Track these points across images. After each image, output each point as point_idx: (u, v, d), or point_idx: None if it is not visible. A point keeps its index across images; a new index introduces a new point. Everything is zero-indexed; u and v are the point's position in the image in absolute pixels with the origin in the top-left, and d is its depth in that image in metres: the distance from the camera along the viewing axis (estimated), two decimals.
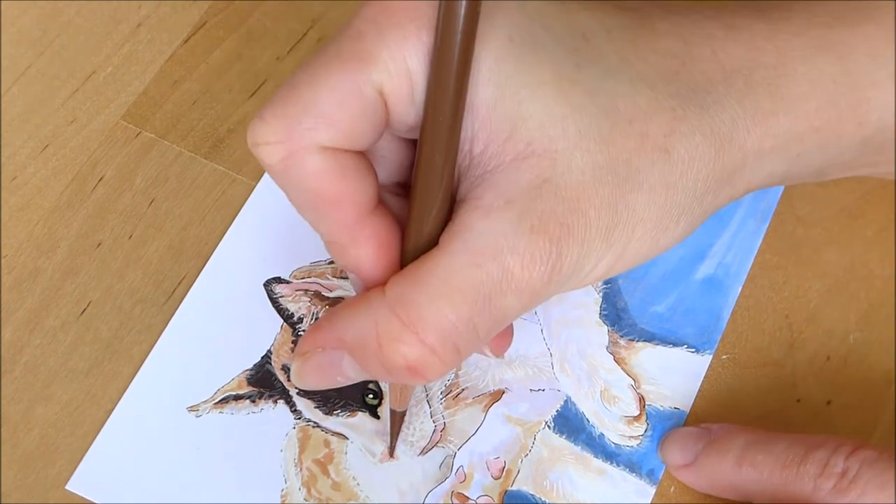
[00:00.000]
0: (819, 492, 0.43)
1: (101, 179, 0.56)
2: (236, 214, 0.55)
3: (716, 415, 0.51)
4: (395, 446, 0.50)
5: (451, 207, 0.41)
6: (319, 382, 0.43)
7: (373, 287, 0.41)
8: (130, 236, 0.55)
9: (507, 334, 0.46)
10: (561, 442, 0.50)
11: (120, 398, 0.51)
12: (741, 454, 0.46)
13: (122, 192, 0.56)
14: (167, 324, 0.53)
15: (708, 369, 0.52)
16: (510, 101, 0.39)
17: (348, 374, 0.42)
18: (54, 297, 0.54)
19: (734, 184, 0.43)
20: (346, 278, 0.54)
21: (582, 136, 0.39)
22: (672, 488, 0.49)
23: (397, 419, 0.50)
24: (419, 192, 0.40)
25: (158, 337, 0.53)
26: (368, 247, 0.41)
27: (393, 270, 0.41)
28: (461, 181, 0.40)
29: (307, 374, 0.43)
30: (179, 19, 0.61)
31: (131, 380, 0.52)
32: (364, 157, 0.40)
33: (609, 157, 0.40)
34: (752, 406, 0.51)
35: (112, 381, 0.52)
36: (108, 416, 0.51)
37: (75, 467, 0.50)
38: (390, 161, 0.43)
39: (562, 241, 0.40)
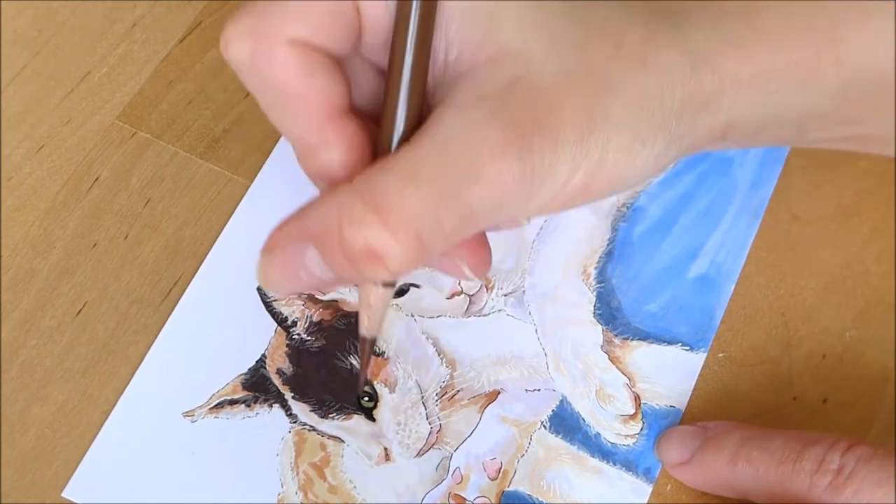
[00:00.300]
0: (815, 489, 0.43)
1: (96, 180, 0.56)
2: (232, 214, 0.55)
3: (712, 413, 0.51)
4: (364, 381, 0.50)
5: (422, 114, 0.40)
6: (282, 281, 0.42)
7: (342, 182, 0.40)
8: (126, 236, 0.55)
9: (482, 249, 0.45)
10: (557, 442, 0.50)
11: (116, 399, 0.51)
12: (737, 451, 0.46)
13: (118, 193, 0.56)
14: (163, 324, 0.53)
15: (704, 367, 0.52)
16: (483, 7, 0.39)
17: (312, 269, 0.40)
18: (50, 297, 0.54)
19: (711, 111, 0.43)
20: None
21: (555, 40, 0.40)
22: (669, 486, 0.50)
23: (367, 347, 0.46)
24: (391, 94, 0.39)
25: (154, 337, 0.53)
26: (338, 148, 0.40)
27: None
28: (436, 89, 0.40)
29: (271, 272, 0.41)
30: (174, 19, 0.61)
31: (128, 380, 0.52)
32: (335, 62, 0.40)
33: (583, 62, 0.40)
34: (749, 404, 0.51)
35: (108, 381, 0.52)
36: (104, 417, 0.51)
37: (72, 468, 0.50)
38: (364, 87, 0.43)
39: (535, 135, 0.39)
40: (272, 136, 0.57)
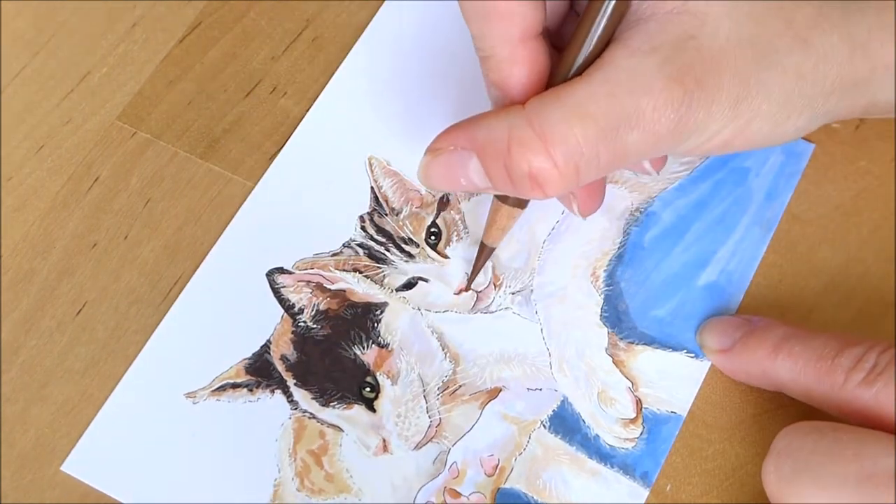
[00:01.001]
0: (849, 383, 0.47)
1: (96, 180, 0.59)
2: (232, 214, 0.59)
3: (710, 414, 0.53)
4: (473, 280, 0.56)
5: (604, 49, 0.48)
6: (443, 182, 0.50)
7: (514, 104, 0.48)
8: (126, 237, 0.58)
9: (599, 192, 0.54)
10: (556, 442, 0.53)
11: None
12: (779, 343, 0.50)
13: (118, 193, 0.59)
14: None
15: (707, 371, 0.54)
16: None
17: (472, 177, 0.49)
18: (50, 297, 0.57)
19: (859, 93, 0.50)
20: (347, 271, 0.57)
21: (734, 8, 0.47)
22: (668, 486, 0.52)
23: (485, 253, 0.56)
24: (582, 29, 0.48)
25: None
26: (523, 65, 0.49)
27: (534, 94, 0.48)
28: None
29: (434, 171, 0.50)
30: (174, 19, 0.64)
31: None
32: None
33: (753, 32, 0.47)
34: (749, 404, 0.54)
35: (108, 381, 0.55)
36: None
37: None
38: (553, 13, 0.51)
39: (694, 95, 0.47)
40: (272, 136, 0.61)
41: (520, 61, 0.48)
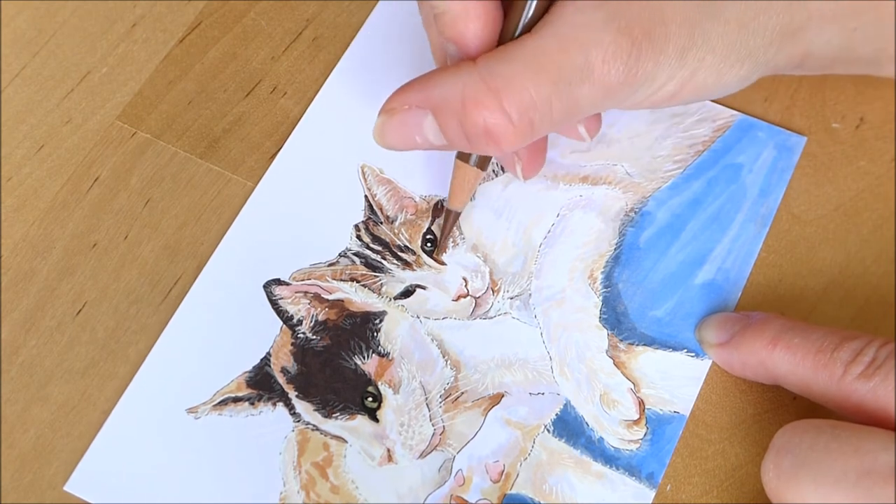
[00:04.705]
0: (848, 376, 0.45)
1: (96, 180, 0.57)
2: (232, 214, 0.56)
3: (710, 414, 0.52)
4: (445, 247, 0.55)
5: (550, 5, 0.48)
6: (398, 141, 0.50)
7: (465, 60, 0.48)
8: (126, 237, 0.56)
9: (541, 153, 0.54)
10: (560, 445, 0.51)
11: (116, 399, 0.52)
12: (777, 335, 0.48)
13: (118, 193, 0.57)
14: (163, 324, 0.54)
15: (708, 371, 0.52)
16: None
17: (427, 135, 0.48)
18: (50, 297, 0.54)
19: (796, 41, 0.50)
20: (345, 280, 0.55)
21: None
22: (668, 487, 0.50)
23: (451, 218, 0.54)
24: None
25: (154, 338, 0.53)
26: (477, 21, 0.48)
27: (488, 50, 0.48)
28: None
29: (389, 130, 0.49)
30: (174, 19, 0.62)
31: (127, 380, 0.53)
32: None
33: None
34: (749, 404, 0.52)
35: (108, 381, 0.53)
36: (104, 417, 0.52)
37: (72, 468, 0.51)
38: None
39: (643, 46, 0.46)
40: (272, 136, 0.58)
41: (473, 17, 0.48)
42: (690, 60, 0.48)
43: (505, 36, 0.49)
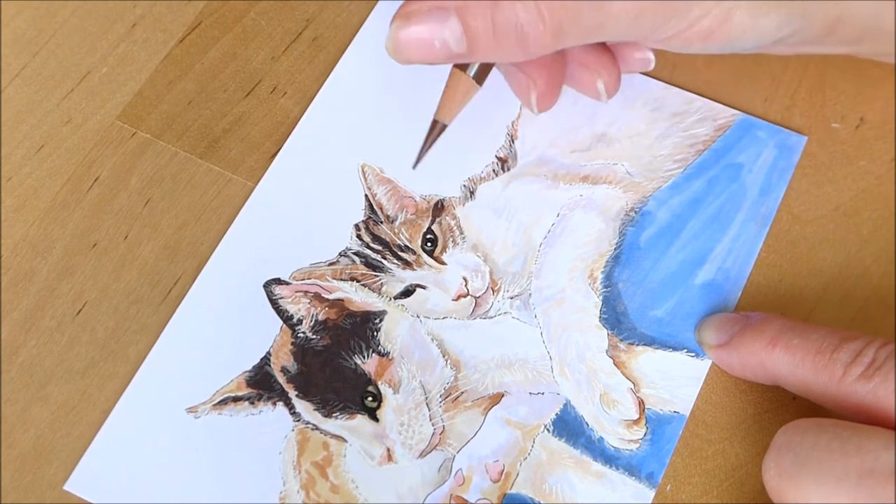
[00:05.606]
0: (847, 377, 0.45)
1: (96, 180, 0.57)
2: (232, 214, 0.56)
3: (710, 414, 0.51)
4: (420, 159, 0.52)
5: None
6: (414, 48, 0.48)
7: None
8: (126, 237, 0.56)
9: (617, 71, 0.54)
10: (560, 445, 0.51)
11: (116, 399, 0.52)
12: (777, 336, 0.48)
13: (118, 193, 0.57)
14: (163, 324, 0.54)
15: (708, 371, 0.52)
16: None
17: (448, 39, 0.47)
18: (50, 297, 0.54)
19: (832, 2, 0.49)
20: (345, 280, 0.55)
21: None
22: (668, 487, 0.50)
23: (437, 130, 0.52)
24: None
25: (154, 337, 0.53)
26: None
27: None
28: None
29: (406, 35, 0.48)
30: (174, 19, 0.62)
31: (127, 380, 0.52)
32: None
33: None
34: (749, 404, 0.52)
35: (108, 381, 0.53)
36: (104, 417, 0.52)
37: (72, 468, 0.51)
38: None
39: None
40: (272, 136, 0.58)
41: None
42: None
43: None
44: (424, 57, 0.49)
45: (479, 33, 0.47)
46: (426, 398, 0.52)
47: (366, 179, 0.57)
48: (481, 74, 0.51)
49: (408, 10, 0.47)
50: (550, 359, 0.53)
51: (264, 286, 0.55)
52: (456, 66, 0.51)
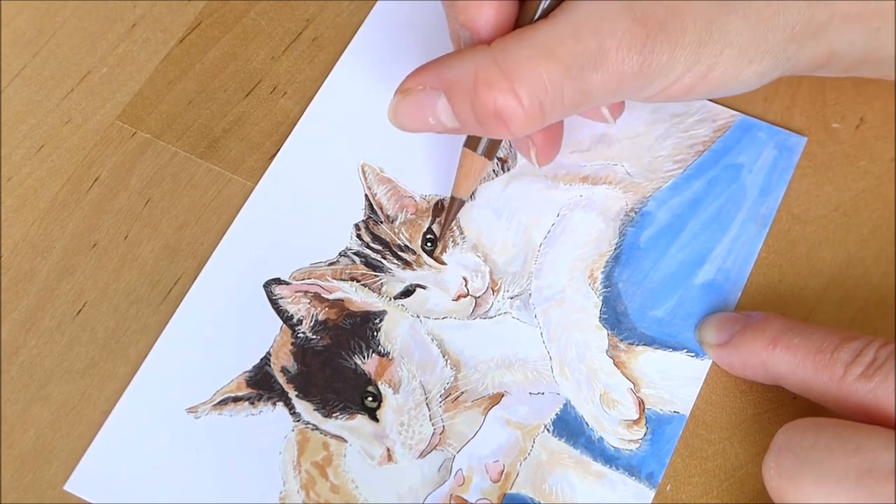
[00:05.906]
0: (848, 377, 0.45)
1: (96, 180, 0.57)
2: (232, 214, 0.56)
3: (710, 414, 0.51)
4: (446, 238, 0.55)
5: None
6: (412, 121, 0.49)
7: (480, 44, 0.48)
8: (126, 237, 0.56)
9: (557, 139, 0.54)
10: (560, 445, 0.51)
11: (116, 399, 0.52)
12: (777, 336, 0.48)
13: (118, 193, 0.57)
14: (163, 324, 0.54)
15: (708, 371, 0.52)
16: None
17: (440, 116, 0.48)
18: (50, 297, 0.54)
19: (818, 40, 0.50)
20: (345, 280, 0.55)
21: None
22: (668, 486, 0.50)
23: (455, 207, 0.55)
24: None
25: (154, 337, 0.53)
26: (489, 8, 0.48)
27: (502, 36, 0.48)
28: None
29: (403, 111, 0.49)
30: (174, 19, 0.62)
31: (127, 380, 0.52)
32: None
33: None
34: (749, 404, 0.52)
35: (108, 381, 0.53)
36: (104, 417, 0.52)
37: (72, 468, 0.51)
38: None
39: (658, 37, 0.46)
40: (272, 136, 0.58)
41: (486, 3, 0.48)
42: (707, 54, 0.47)
43: (521, 22, 0.48)
44: (422, 129, 0.50)
45: (463, 115, 0.48)
46: (426, 398, 0.52)
47: (366, 179, 0.57)
48: (490, 151, 0.52)
49: (406, 86, 0.49)
50: (550, 359, 0.53)
51: (264, 286, 0.55)
52: (466, 144, 0.53)
